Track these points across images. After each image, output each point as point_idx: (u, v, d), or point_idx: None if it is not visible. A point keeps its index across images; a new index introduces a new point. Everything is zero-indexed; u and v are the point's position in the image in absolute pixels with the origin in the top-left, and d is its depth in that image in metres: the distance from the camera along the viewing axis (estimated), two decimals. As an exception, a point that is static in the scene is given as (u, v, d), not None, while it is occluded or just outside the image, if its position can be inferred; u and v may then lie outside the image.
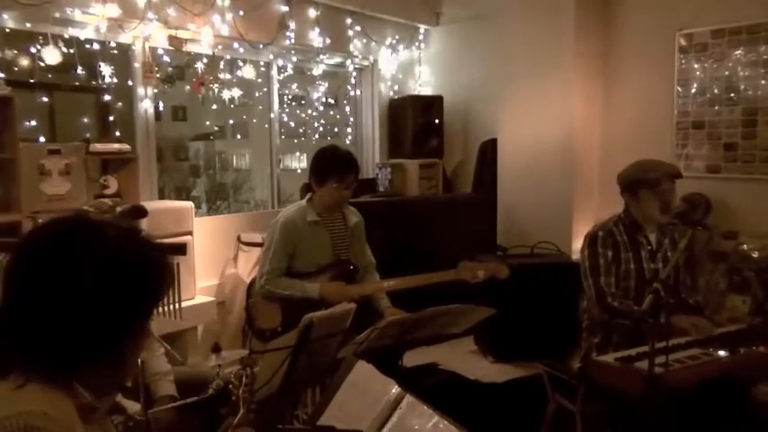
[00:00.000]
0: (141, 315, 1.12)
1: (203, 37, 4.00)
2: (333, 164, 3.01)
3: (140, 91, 3.91)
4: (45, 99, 3.95)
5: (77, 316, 1.02)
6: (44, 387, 1.01)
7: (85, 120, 4.33)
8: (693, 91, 4.07)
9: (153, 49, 3.89)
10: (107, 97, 3.94)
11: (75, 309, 1.02)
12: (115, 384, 1.18)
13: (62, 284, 1.02)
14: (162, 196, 4.76)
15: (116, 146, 3.65)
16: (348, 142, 5.40)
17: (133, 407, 2.03)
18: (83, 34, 3.59)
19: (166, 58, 4.08)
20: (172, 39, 3.84)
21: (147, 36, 3.81)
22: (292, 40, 4.53)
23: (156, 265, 1.12)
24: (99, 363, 1.07)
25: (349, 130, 5.47)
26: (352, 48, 4.98)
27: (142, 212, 2.35)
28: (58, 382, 1.03)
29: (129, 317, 1.09)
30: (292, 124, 5.22)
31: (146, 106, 3.95)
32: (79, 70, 3.63)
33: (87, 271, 1.03)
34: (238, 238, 4.26)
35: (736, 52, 3.88)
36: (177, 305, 3.54)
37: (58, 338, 1.02)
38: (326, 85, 5.06)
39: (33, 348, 1.02)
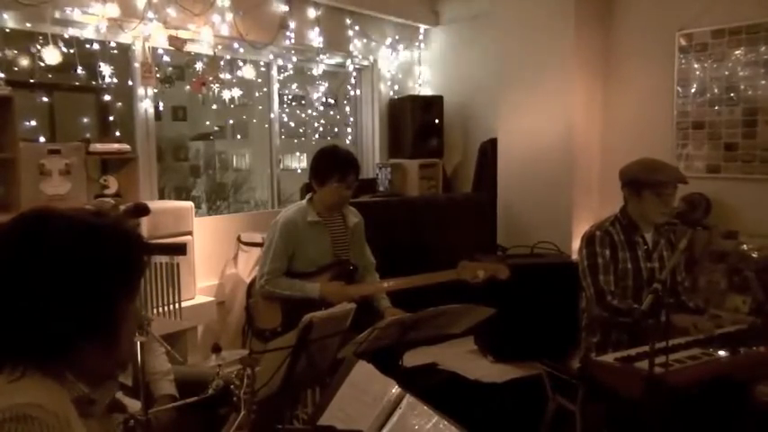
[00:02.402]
0: (122, 293, 1.12)
1: (203, 37, 4.00)
2: (334, 164, 3.01)
3: (140, 91, 3.90)
4: (45, 99, 3.95)
5: (56, 300, 1.03)
6: (39, 379, 1.02)
7: (85, 120, 4.32)
8: (693, 91, 4.07)
9: (153, 49, 3.89)
10: (107, 97, 3.94)
11: (53, 293, 1.03)
12: (108, 371, 1.18)
13: (37, 270, 1.03)
14: (162, 196, 4.76)
15: (116, 146, 3.65)
16: (348, 142, 5.40)
17: (134, 405, 2.03)
18: (83, 34, 3.58)
19: (166, 58, 4.08)
20: (172, 39, 3.84)
21: (147, 36, 3.81)
22: (292, 40, 4.53)
23: (129, 242, 1.13)
24: (89, 347, 1.07)
25: (349, 130, 5.47)
26: (352, 48, 4.98)
27: (144, 210, 2.35)
28: (52, 373, 1.04)
29: (109, 296, 1.09)
30: (292, 124, 5.22)
31: (146, 106, 3.95)
32: (79, 70, 3.62)
33: (59, 253, 1.04)
34: (238, 238, 4.26)
35: (736, 52, 3.87)
36: (177, 305, 3.53)
37: (42, 324, 1.03)
38: (326, 85, 5.06)
39: (20, 338, 1.03)
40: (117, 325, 1.11)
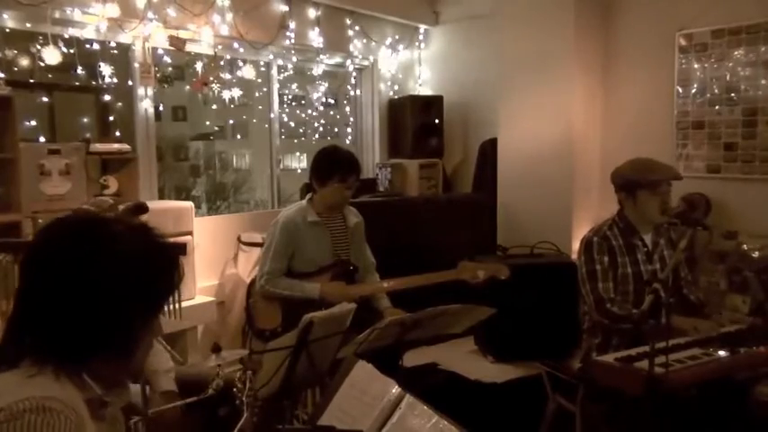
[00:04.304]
0: (152, 309, 1.14)
1: (203, 37, 3.99)
2: (335, 164, 3.01)
3: (140, 91, 3.90)
4: (45, 99, 3.95)
5: (90, 310, 1.05)
6: (55, 378, 1.03)
7: (85, 120, 4.32)
8: (693, 91, 4.07)
9: (153, 49, 3.88)
10: (107, 97, 3.94)
11: (88, 303, 1.05)
12: (124, 377, 1.20)
13: (76, 280, 1.05)
14: (162, 196, 4.76)
15: (116, 146, 3.65)
16: (348, 142, 5.40)
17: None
18: (83, 34, 3.58)
19: (166, 59, 4.08)
20: (173, 39, 3.84)
21: (147, 36, 3.81)
22: (292, 40, 4.53)
23: (166, 259, 1.14)
24: (110, 355, 1.09)
25: (349, 130, 5.47)
26: (351, 48, 4.98)
27: (143, 209, 2.35)
28: (69, 374, 1.05)
29: (141, 310, 1.11)
30: (292, 124, 5.22)
31: (146, 106, 3.95)
32: (79, 70, 3.62)
33: (100, 266, 1.06)
34: (238, 238, 4.26)
35: (736, 52, 3.87)
36: (177, 305, 3.53)
37: (72, 332, 1.05)
38: (326, 85, 5.06)
39: (47, 340, 1.04)
40: (138, 341, 1.13)
